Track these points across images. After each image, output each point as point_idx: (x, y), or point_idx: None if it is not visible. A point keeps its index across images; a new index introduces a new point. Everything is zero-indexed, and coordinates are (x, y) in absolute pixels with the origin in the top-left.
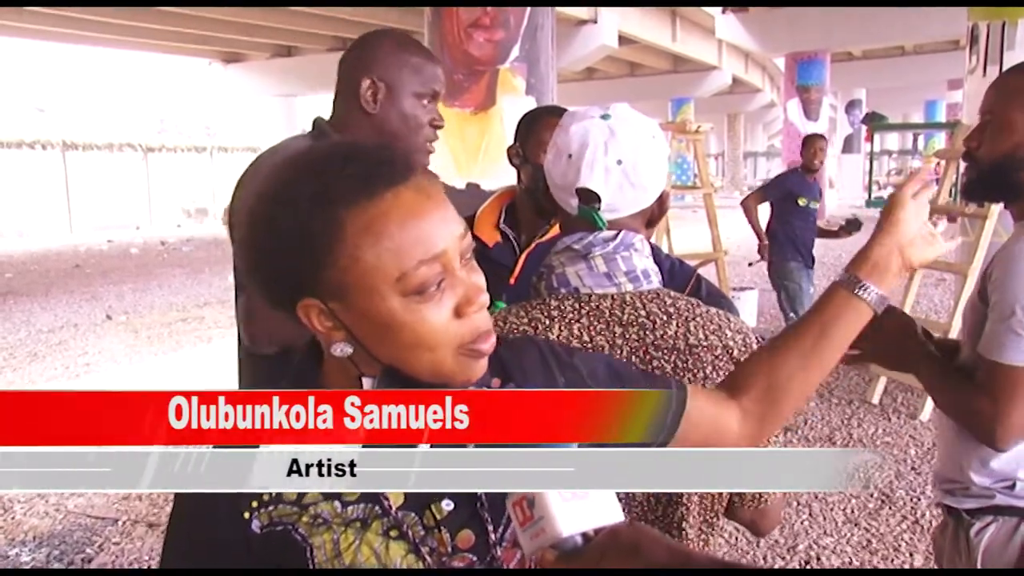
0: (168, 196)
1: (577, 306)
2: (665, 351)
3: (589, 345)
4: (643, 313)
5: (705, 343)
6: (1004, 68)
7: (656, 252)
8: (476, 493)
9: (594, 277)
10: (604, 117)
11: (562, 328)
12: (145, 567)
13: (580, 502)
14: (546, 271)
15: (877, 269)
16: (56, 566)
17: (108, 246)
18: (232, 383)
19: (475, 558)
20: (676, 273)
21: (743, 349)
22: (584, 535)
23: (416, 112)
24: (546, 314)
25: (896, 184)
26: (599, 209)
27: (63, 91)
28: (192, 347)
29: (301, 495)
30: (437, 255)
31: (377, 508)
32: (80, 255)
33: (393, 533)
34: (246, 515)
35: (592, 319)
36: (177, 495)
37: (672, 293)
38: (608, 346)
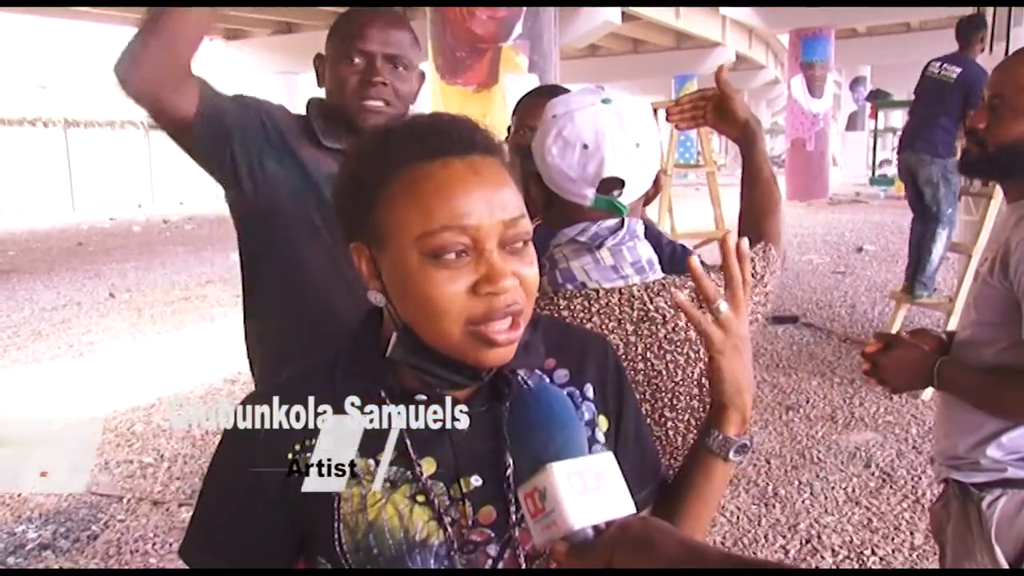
0: (170, 174)
1: (587, 304)
2: (677, 343)
3: None
4: (652, 307)
5: None
6: (1011, 44)
7: (657, 236)
8: (505, 472)
9: (601, 271)
10: (605, 102)
11: None
12: (149, 544)
13: (592, 495)
14: (548, 265)
15: (724, 419)
16: (62, 543)
17: (110, 224)
18: (234, 361)
19: (493, 534)
20: (678, 258)
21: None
22: (595, 528)
23: (338, 71)
24: (556, 314)
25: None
26: (619, 196)
27: (65, 68)
28: (195, 325)
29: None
30: (464, 227)
31: (408, 473)
32: (82, 233)
33: (419, 498)
34: (289, 455)
35: (603, 317)
36: (224, 432)
37: (678, 282)
38: (622, 344)
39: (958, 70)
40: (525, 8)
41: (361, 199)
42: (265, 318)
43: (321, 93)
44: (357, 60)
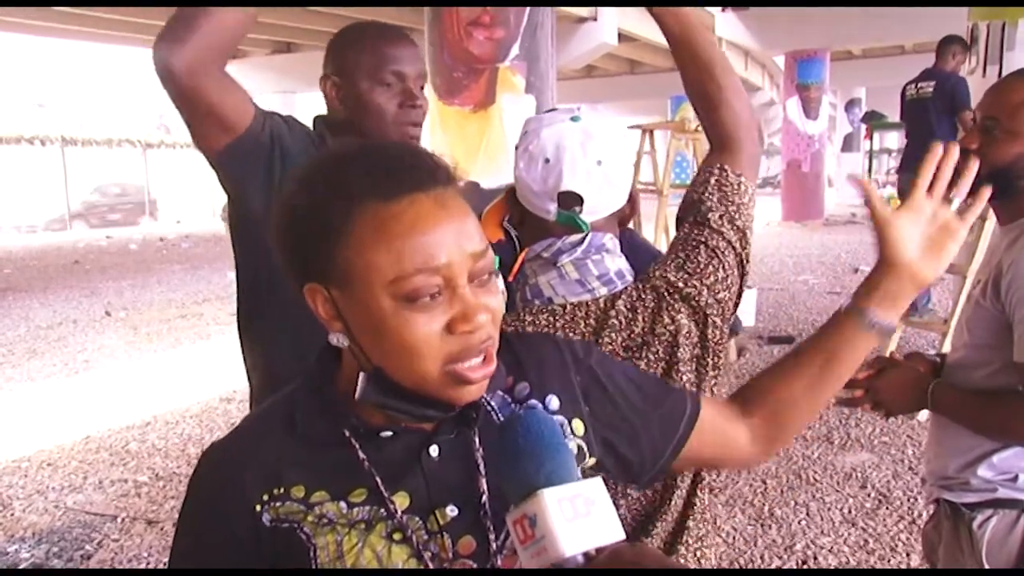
0: (167, 193)
1: (552, 319)
2: (634, 349)
3: None
4: (612, 314)
5: (671, 327)
6: (1004, 68)
7: (645, 246)
8: (481, 500)
9: (566, 285)
10: (574, 119)
11: None
12: (144, 564)
13: (583, 520)
14: (521, 280)
15: (887, 300)
16: (55, 563)
17: (107, 242)
18: (230, 380)
19: (475, 565)
20: None
21: (705, 325)
22: (586, 554)
23: (374, 98)
24: (521, 330)
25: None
26: (580, 212)
27: (63, 86)
28: (191, 343)
29: (308, 494)
30: (438, 267)
31: (382, 511)
32: (79, 251)
33: (396, 536)
34: (257, 508)
35: (568, 332)
36: (189, 486)
37: (640, 285)
38: None
39: (932, 83)
40: (522, 29)
41: (320, 238)
42: (274, 346)
43: (319, 107)
44: (392, 84)
